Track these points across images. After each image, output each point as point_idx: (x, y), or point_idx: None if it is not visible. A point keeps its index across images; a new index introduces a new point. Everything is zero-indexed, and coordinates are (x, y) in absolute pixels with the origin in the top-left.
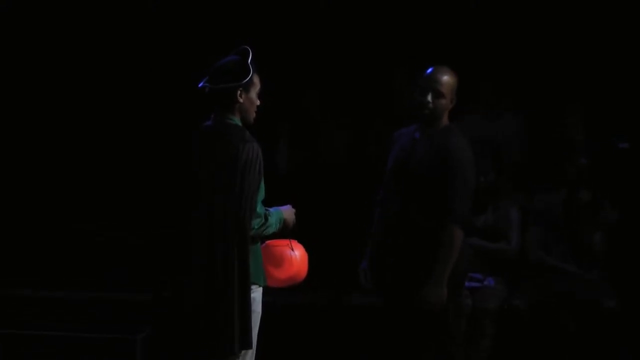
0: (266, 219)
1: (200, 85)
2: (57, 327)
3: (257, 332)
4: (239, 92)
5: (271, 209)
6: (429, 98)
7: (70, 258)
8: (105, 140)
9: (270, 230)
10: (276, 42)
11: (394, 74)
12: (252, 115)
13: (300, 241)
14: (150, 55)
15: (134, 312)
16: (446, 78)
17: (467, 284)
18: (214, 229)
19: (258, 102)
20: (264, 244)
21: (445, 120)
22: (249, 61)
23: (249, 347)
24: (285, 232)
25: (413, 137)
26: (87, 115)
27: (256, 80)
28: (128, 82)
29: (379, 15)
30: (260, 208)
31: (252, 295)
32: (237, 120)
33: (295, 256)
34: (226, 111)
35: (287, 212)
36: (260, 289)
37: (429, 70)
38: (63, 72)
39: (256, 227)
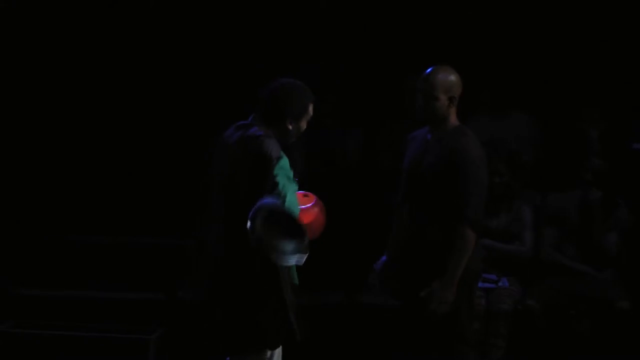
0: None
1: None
2: (70, 327)
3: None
4: (288, 120)
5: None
6: (421, 102)
7: (82, 258)
8: (121, 145)
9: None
10: (285, 46)
11: (405, 77)
12: (293, 140)
13: (313, 242)
14: (149, 56)
15: (147, 313)
16: (439, 79)
17: (481, 284)
18: (228, 233)
19: (304, 128)
20: None
21: (453, 120)
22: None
23: (269, 347)
24: None
25: (425, 140)
26: (91, 120)
27: (310, 109)
28: (128, 85)
29: (390, 19)
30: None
31: None
32: (271, 134)
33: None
34: (268, 127)
35: None
36: None
37: (425, 72)
38: (63, 72)
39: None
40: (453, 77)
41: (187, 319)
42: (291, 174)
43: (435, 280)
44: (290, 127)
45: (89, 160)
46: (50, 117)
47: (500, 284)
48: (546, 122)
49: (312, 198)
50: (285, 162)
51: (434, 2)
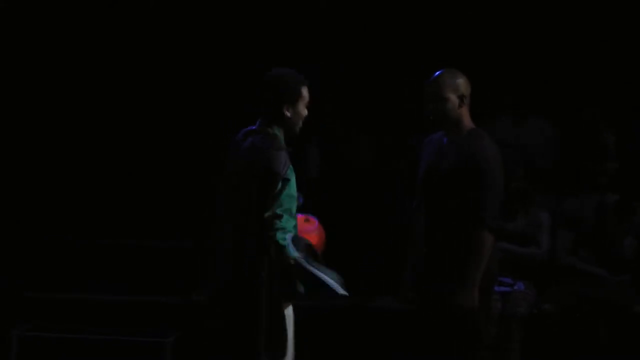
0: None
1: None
2: (86, 330)
3: (291, 335)
4: (285, 106)
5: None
6: (432, 105)
7: (98, 261)
8: (131, 149)
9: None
10: (285, 46)
11: (420, 81)
12: (299, 126)
13: (327, 245)
14: (149, 57)
15: (163, 316)
16: (446, 80)
17: (497, 288)
18: (238, 241)
19: (305, 113)
20: None
21: (467, 122)
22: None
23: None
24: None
25: (441, 143)
26: (95, 120)
27: (305, 93)
28: (129, 86)
29: (405, 24)
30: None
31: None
32: (277, 130)
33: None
34: (270, 122)
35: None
36: None
37: (431, 76)
38: (62, 72)
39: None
40: (460, 77)
41: (202, 322)
42: (295, 191)
43: (455, 284)
44: (288, 113)
45: (105, 164)
46: (50, 117)
47: (516, 287)
48: (563, 126)
49: (314, 223)
50: (292, 184)
51: (436, 2)
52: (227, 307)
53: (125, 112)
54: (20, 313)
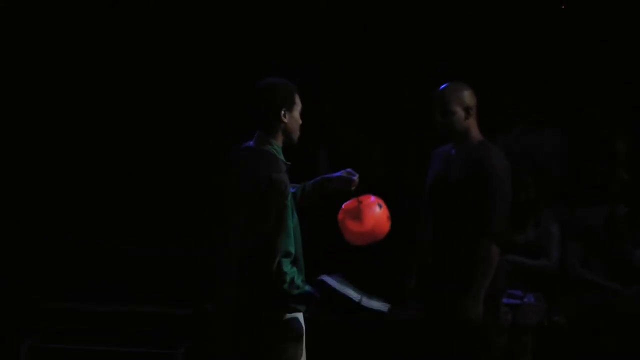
0: (292, 281)
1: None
2: (98, 341)
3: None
4: (282, 112)
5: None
6: (438, 117)
7: (109, 272)
8: (141, 153)
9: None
10: (285, 46)
11: (420, 81)
12: (297, 134)
13: (340, 254)
14: (148, 57)
15: (174, 326)
16: (451, 94)
17: (506, 300)
18: (237, 256)
19: (300, 121)
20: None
21: (475, 134)
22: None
23: None
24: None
25: (449, 155)
26: (100, 121)
27: (298, 99)
28: (131, 87)
29: (405, 24)
30: (286, 266)
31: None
32: (276, 145)
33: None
34: (268, 134)
35: None
36: None
37: (437, 90)
38: (62, 72)
39: (285, 287)
40: (465, 89)
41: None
42: (292, 209)
43: (462, 295)
44: (285, 120)
45: (105, 164)
46: (50, 117)
47: (526, 299)
48: (574, 135)
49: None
50: (289, 201)
51: (436, 3)
52: (228, 309)
53: (125, 113)
54: (29, 321)
